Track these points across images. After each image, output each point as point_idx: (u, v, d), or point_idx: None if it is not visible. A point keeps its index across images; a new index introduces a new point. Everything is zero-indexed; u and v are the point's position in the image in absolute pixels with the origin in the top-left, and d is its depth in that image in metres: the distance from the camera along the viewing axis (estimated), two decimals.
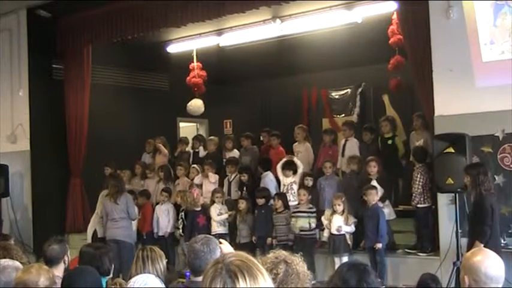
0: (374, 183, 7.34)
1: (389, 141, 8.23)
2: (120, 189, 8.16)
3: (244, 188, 8.58)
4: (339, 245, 7.15)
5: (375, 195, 7.03)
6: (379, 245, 6.90)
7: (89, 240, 8.49)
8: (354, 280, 2.64)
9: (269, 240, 7.77)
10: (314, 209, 7.64)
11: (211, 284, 1.59)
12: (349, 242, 7.18)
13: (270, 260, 2.47)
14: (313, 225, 7.52)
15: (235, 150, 9.68)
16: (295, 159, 8.41)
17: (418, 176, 7.14)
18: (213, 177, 8.98)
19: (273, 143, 9.23)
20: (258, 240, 7.95)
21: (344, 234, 7.16)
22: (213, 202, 8.35)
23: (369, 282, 2.65)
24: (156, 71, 12.47)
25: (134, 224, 8.84)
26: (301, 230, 7.55)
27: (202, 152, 10.04)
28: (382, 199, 7.30)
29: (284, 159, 8.34)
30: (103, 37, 9.68)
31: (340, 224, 7.14)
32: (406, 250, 7.36)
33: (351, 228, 7.17)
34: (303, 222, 7.55)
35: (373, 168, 7.47)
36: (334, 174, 8.16)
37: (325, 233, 7.38)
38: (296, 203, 7.91)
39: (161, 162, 9.78)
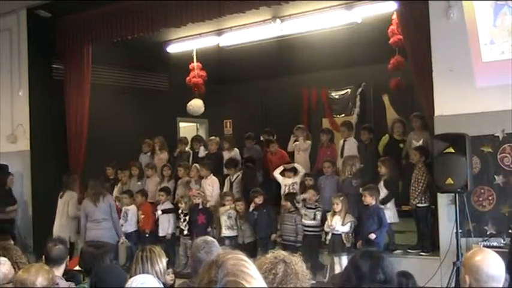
0: (381, 184, 7.34)
1: (401, 145, 8.18)
2: (101, 191, 8.04)
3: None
4: (336, 245, 7.15)
5: (369, 197, 7.01)
6: (373, 235, 6.87)
7: None
8: (366, 266, 2.63)
9: (273, 236, 7.78)
10: (319, 205, 7.65)
11: None
12: (345, 242, 7.15)
13: (268, 260, 2.47)
14: (318, 217, 7.49)
15: (236, 149, 9.68)
16: (296, 165, 8.46)
17: (423, 175, 7.11)
18: (211, 182, 8.85)
19: (272, 150, 9.23)
20: (260, 242, 7.94)
21: (340, 234, 7.15)
22: (223, 205, 8.31)
23: (383, 267, 2.64)
24: (156, 71, 12.47)
25: (134, 223, 8.85)
26: (306, 226, 7.55)
27: (202, 152, 10.03)
28: (385, 201, 7.29)
29: (282, 167, 8.39)
30: (103, 37, 9.68)
31: (335, 222, 7.14)
32: (408, 250, 7.36)
33: (345, 228, 7.13)
34: (310, 218, 7.56)
35: (378, 169, 7.46)
36: (333, 174, 8.15)
37: (328, 236, 7.36)
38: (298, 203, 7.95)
39: (161, 162, 9.77)
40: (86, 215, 7.98)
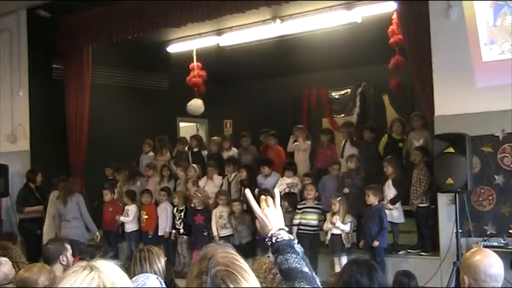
0: (389, 184, 7.30)
1: (400, 144, 8.17)
2: (70, 191, 8.45)
3: (242, 188, 8.56)
4: (336, 245, 7.15)
5: (373, 197, 7.00)
6: (376, 243, 6.87)
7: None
8: (366, 278, 2.67)
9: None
10: (321, 206, 7.59)
11: None
12: (344, 242, 7.13)
13: (268, 260, 2.47)
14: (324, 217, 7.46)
15: (234, 149, 9.67)
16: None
17: (425, 175, 7.09)
18: (218, 180, 8.88)
19: (270, 143, 9.22)
20: (260, 242, 7.91)
21: (340, 234, 7.14)
22: (216, 204, 8.30)
23: (378, 279, 2.68)
24: (156, 71, 12.47)
25: (134, 223, 8.83)
26: (305, 225, 7.51)
27: (203, 152, 9.99)
28: (394, 201, 7.25)
29: (285, 185, 8.32)
30: (103, 37, 9.68)
31: (335, 222, 7.12)
32: (408, 250, 7.35)
33: (346, 227, 7.12)
34: (310, 218, 7.52)
35: (385, 169, 7.41)
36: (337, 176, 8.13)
37: (328, 236, 7.35)
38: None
39: (162, 162, 9.76)
40: (59, 214, 8.45)
